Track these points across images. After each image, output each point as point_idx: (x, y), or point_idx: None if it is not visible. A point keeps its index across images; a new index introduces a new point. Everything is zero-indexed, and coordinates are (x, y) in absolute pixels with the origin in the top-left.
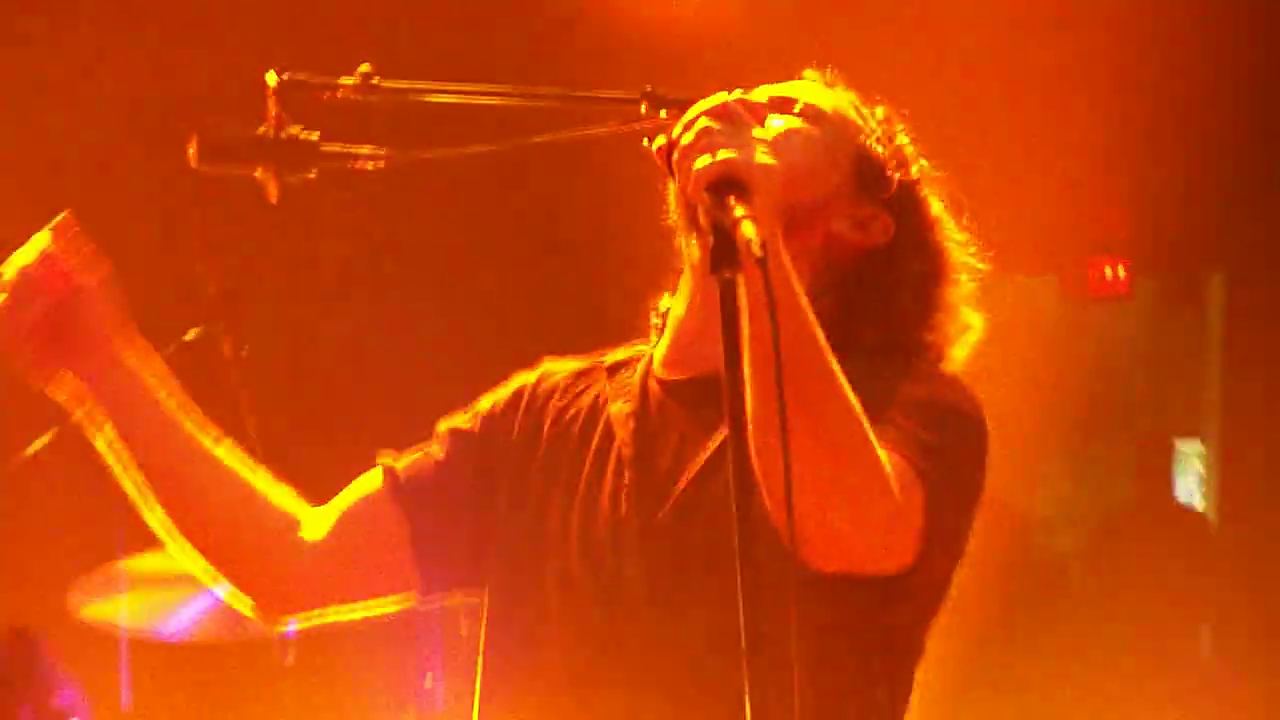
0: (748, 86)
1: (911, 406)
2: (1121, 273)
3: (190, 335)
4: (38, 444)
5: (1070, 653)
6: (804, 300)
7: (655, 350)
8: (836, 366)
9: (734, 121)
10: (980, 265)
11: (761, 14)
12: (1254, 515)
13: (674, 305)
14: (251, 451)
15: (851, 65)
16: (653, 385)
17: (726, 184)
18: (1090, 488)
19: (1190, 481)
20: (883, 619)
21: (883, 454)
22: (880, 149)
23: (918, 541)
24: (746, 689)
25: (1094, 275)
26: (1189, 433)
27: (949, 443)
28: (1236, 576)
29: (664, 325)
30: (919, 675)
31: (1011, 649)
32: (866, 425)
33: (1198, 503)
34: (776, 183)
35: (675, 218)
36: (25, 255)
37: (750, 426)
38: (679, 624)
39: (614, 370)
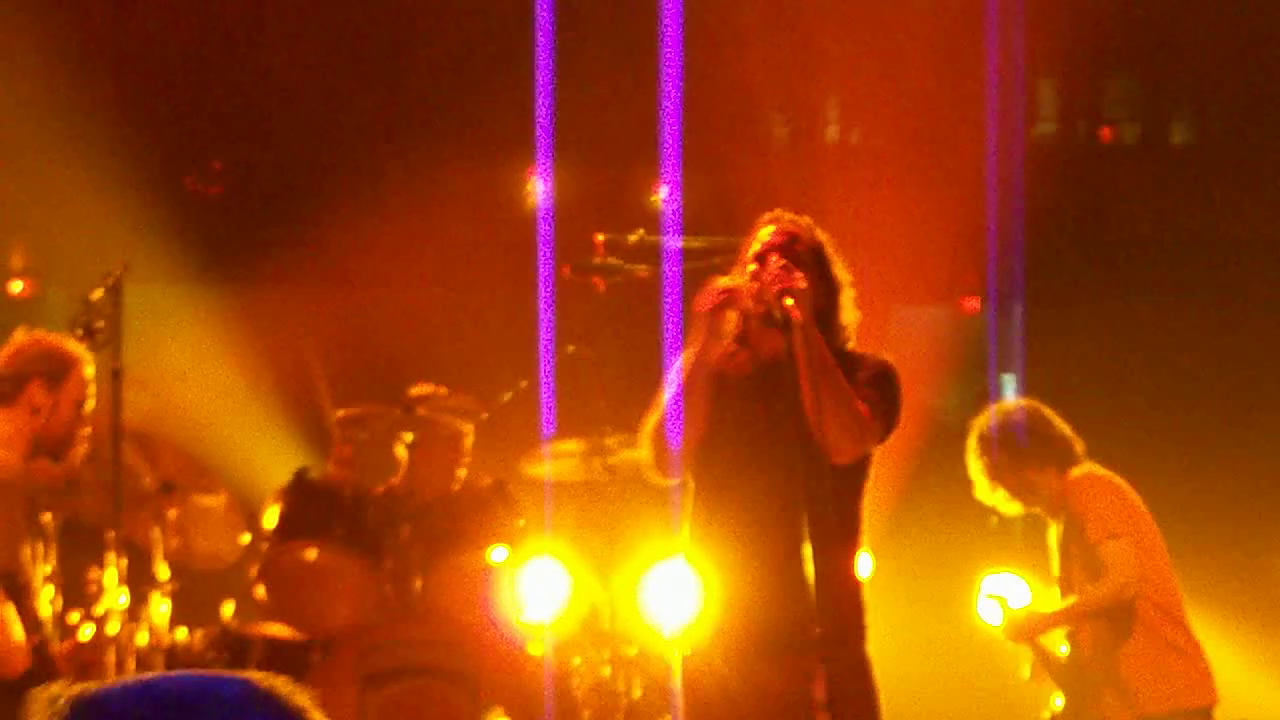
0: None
1: (871, 382)
2: (977, 304)
3: (569, 349)
4: (507, 395)
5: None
6: (817, 339)
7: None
8: (834, 367)
9: (788, 266)
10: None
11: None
12: None
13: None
14: (602, 417)
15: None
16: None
17: (785, 294)
18: (969, 399)
19: (1008, 390)
20: (864, 481)
21: (858, 403)
22: (827, 262)
23: (879, 438)
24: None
25: (965, 305)
26: (1008, 370)
27: (886, 394)
28: None
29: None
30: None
31: (925, 487)
32: (850, 392)
33: None
34: (805, 295)
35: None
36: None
37: (804, 397)
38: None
39: None
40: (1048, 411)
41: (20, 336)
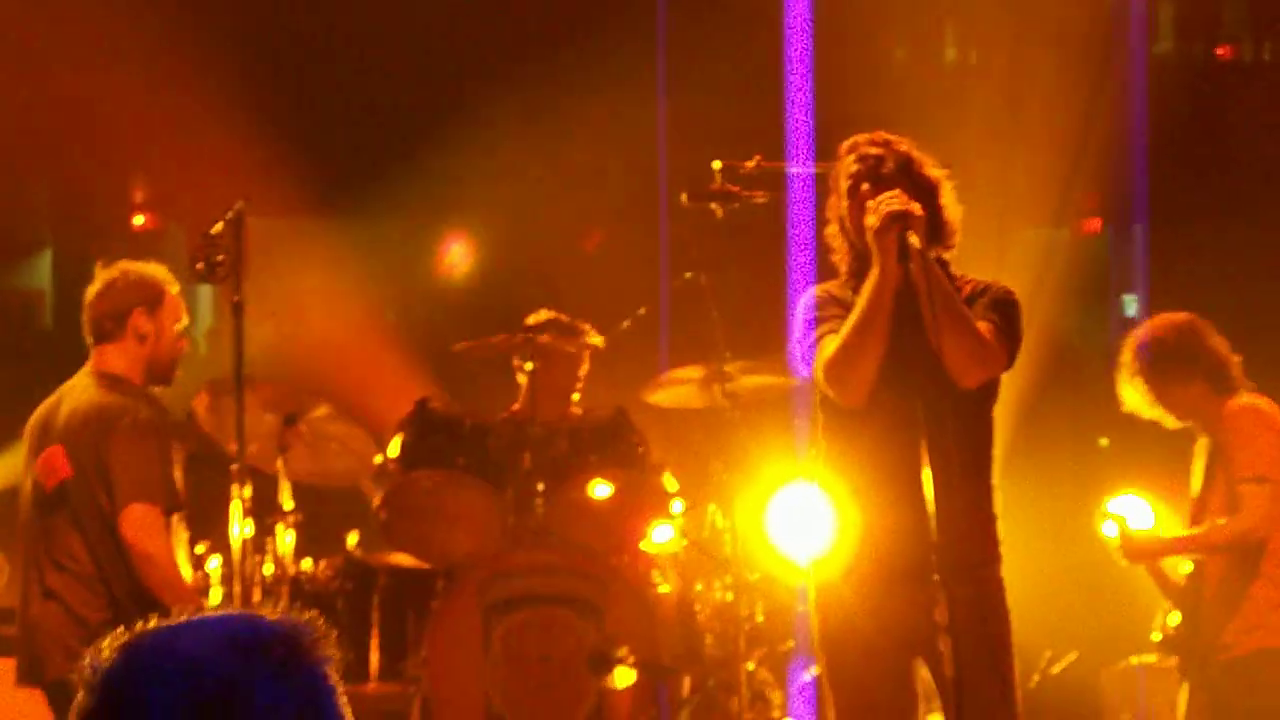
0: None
1: (993, 308)
2: (1098, 225)
3: (688, 276)
4: (626, 323)
5: (1080, 411)
6: (934, 266)
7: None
8: (953, 291)
9: (905, 199)
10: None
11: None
12: None
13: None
14: (720, 344)
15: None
16: None
17: (903, 223)
18: (1091, 321)
19: (1130, 310)
20: (989, 407)
21: (982, 326)
22: (917, 168)
23: (1003, 363)
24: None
25: (1086, 226)
26: (1128, 291)
27: (1008, 320)
28: None
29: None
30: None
31: (1046, 409)
32: (969, 316)
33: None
34: (920, 222)
35: (870, 236)
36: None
37: (926, 323)
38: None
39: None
40: (1204, 327)
41: (107, 272)
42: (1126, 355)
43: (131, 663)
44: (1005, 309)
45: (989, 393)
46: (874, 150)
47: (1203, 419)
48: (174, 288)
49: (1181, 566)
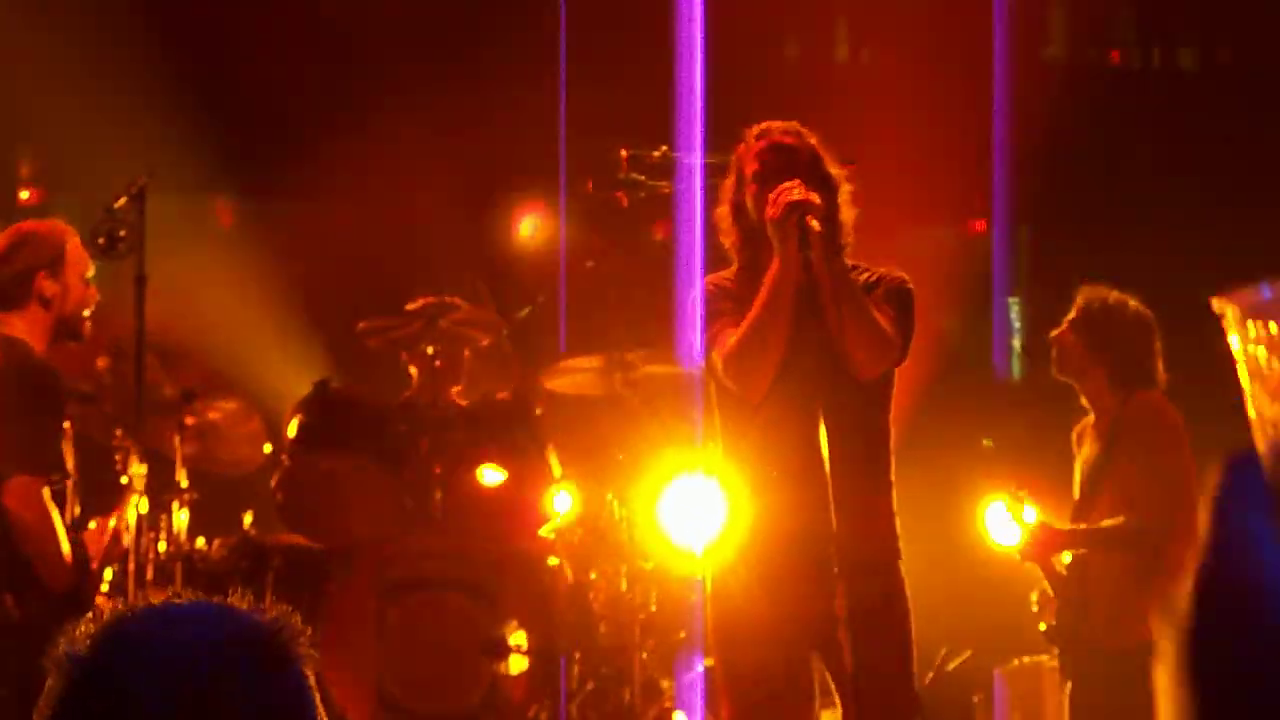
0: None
1: (889, 298)
2: (984, 226)
3: (590, 264)
4: (524, 310)
5: (964, 411)
6: (837, 254)
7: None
8: (854, 280)
9: (805, 189)
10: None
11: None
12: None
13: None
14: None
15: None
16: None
17: (804, 212)
18: (976, 318)
19: (1013, 318)
20: (886, 401)
21: (880, 318)
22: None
23: (900, 354)
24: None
25: (973, 227)
26: (1014, 295)
27: (904, 310)
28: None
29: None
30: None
31: (930, 408)
32: (871, 307)
33: (1016, 331)
34: (820, 210)
35: (770, 227)
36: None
37: (827, 313)
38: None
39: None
40: (1141, 320)
41: (3, 235)
42: (1073, 309)
43: (113, 654)
44: (900, 299)
45: (886, 384)
46: (787, 140)
47: (1097, 405)
48: (73, 238)
49: (1064, 557)
